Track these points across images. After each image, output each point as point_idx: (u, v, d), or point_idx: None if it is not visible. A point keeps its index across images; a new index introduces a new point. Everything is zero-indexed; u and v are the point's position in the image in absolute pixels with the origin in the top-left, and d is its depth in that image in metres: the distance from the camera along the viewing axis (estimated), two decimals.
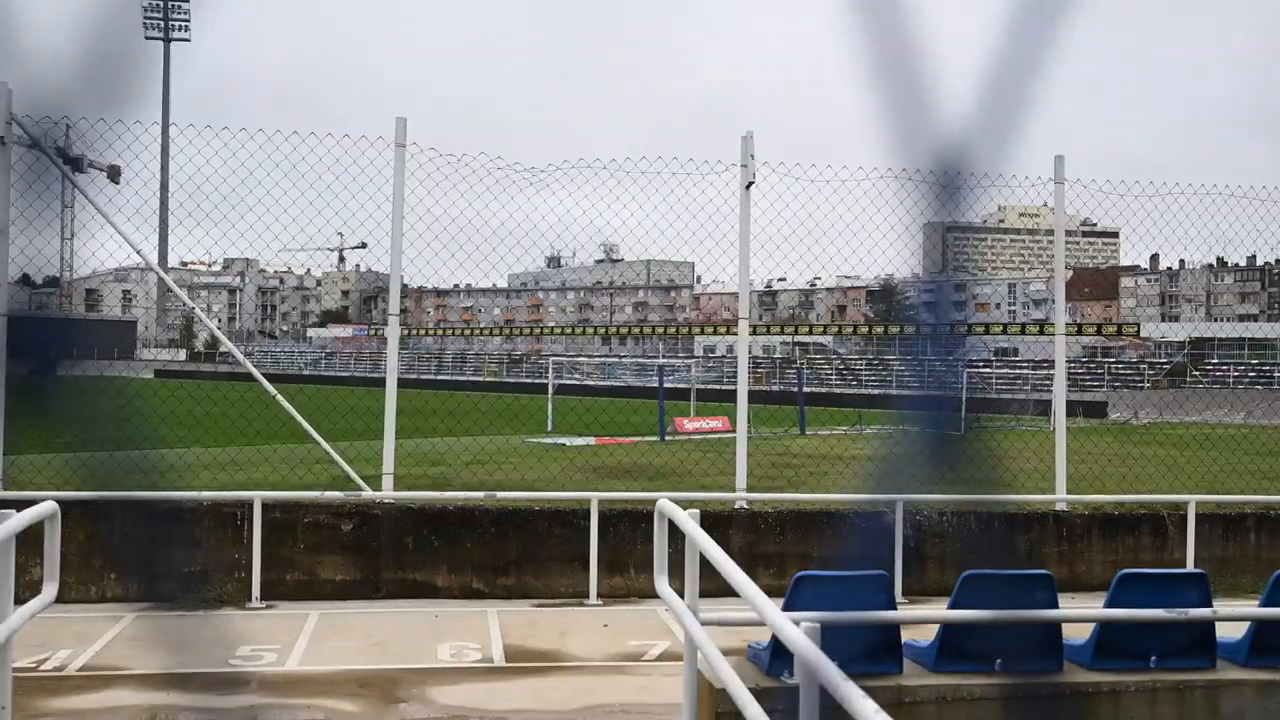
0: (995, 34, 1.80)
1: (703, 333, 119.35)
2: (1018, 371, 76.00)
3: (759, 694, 5.10)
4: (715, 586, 6.34)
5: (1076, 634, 6.89)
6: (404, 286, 13.38)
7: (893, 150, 1.81)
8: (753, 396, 14.79)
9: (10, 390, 11.80)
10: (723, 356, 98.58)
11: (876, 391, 76.85)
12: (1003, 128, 1.81)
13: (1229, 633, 7.03)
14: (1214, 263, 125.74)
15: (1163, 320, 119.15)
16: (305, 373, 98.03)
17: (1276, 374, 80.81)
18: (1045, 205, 14.78)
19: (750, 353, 14.46)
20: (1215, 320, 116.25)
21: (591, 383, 72.07)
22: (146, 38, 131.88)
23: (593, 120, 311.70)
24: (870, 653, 6.43)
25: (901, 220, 14.24)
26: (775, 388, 73.16)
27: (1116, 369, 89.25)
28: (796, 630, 4.11)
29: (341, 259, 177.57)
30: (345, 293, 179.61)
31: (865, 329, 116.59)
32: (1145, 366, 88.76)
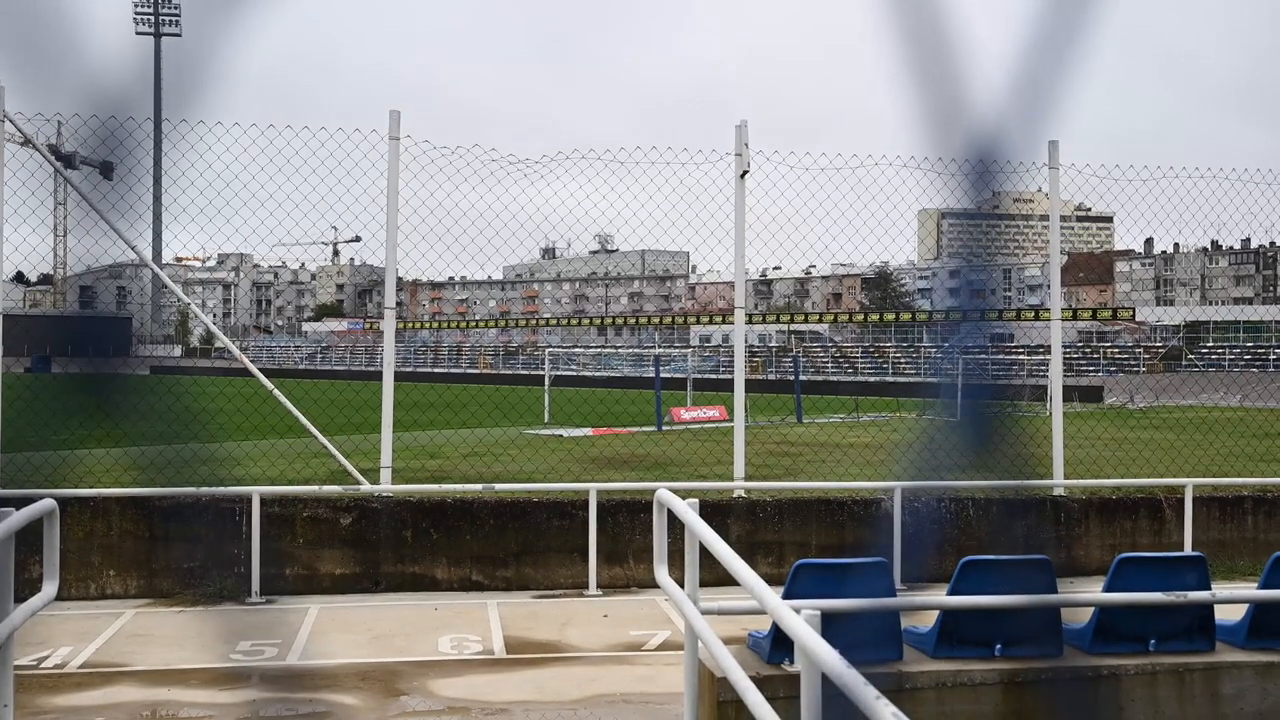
0: (1028, 16, 1.79)
1: (698, 322, 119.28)
2: (1013, 357, 76.02)
3: (760, 682, 5.11)
4: (714, 576, 6.36)
5: (1076, 618, 6.91)
6: (399, 280, 13.35)
7: (924, 133, 1.80)
8: (749, 385, 14.79)
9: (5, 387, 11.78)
10: (719, 346, 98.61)
11: (873, 379, 76.89)
12: (1036, 109, 1.80)
13: (1228, 615, 7.04)
14: (1208, 246, 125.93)
15: (1158, 304, 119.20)
16: (301, 367, 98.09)
17: (1272, 356, 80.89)
18: (1040, 190, 14.76)
19: (746, 342, 14.45)
20: (1210, 304, 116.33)
21: (588, 374, 72.14)
22: (137, 33, 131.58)
23: (580, 107, 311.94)
24: (871, 640, 6.44)
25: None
26: (772, 376, 73.29)
27: (1112, 353, 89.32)
28: (797, 618, 4.11)
29: (335, 253, 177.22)
30: (340, 286, 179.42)
31: (861, 317, 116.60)
32: (1141, 351, 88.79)
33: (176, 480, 11.67)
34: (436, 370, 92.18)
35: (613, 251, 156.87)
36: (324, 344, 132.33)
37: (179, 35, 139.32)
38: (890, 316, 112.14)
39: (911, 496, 13.10)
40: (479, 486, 13.40)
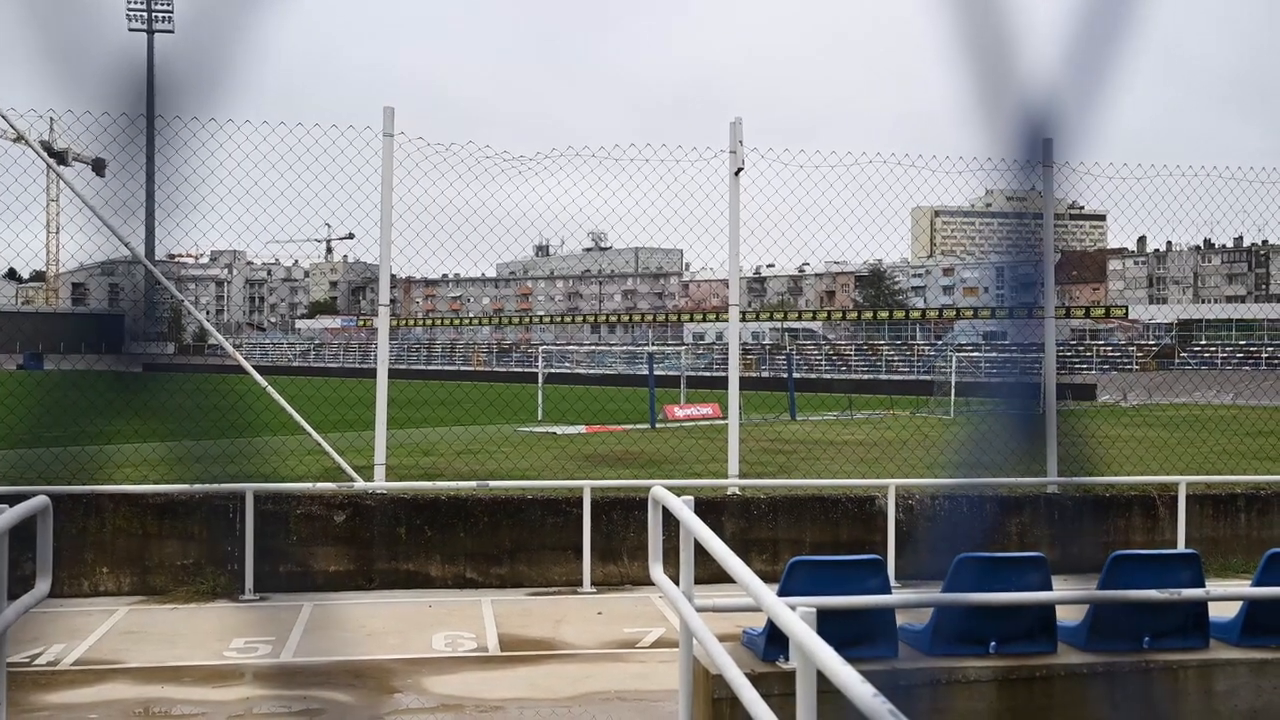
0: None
1: (692, 320, 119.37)
2: (1007, 355, 76.08)
3: (755, 679, 5.10)
4: (708, 573, 6.35)
5: (1070, 616, 6.91)
6: (392, 277, 13.33)
7: (978, 109, 1.78)
8: (743, 383, 14.80)
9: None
10: (712, 343, 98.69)
11: (866, 377, 77.01)
12: (1090, 84, 1.78)
13: (1221, 613, 7.05)
14: (1201, 244, 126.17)
15: (1150, 302, 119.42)
16: (295, 364, 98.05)
17: (1264, 355, 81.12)
18: (1033, 189, 14.75)
19: (740, 339, 14.45)
20: (1203, 302, 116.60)
21: (581, 371, 72.13)
22: (130, 30, 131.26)
23: (575, 105, 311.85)
24: (865, 637, 6.44)
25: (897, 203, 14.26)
26: (765, 374, 73.34)
27: (1105, 351, 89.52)
28: (793, 615, 4.11)
29: (329, 250, 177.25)
30: (333, 283, 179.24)
31: (854, 314, 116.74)
32: (1133, 349, 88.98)
33: (170, 477, 11.65)
34: (430, 368, 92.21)
35: (606, 249, 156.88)
36: (317, 341, 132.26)
37: (171, 32, 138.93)
38: (884, 314, 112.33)
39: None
40: (473, 484, 13.39)
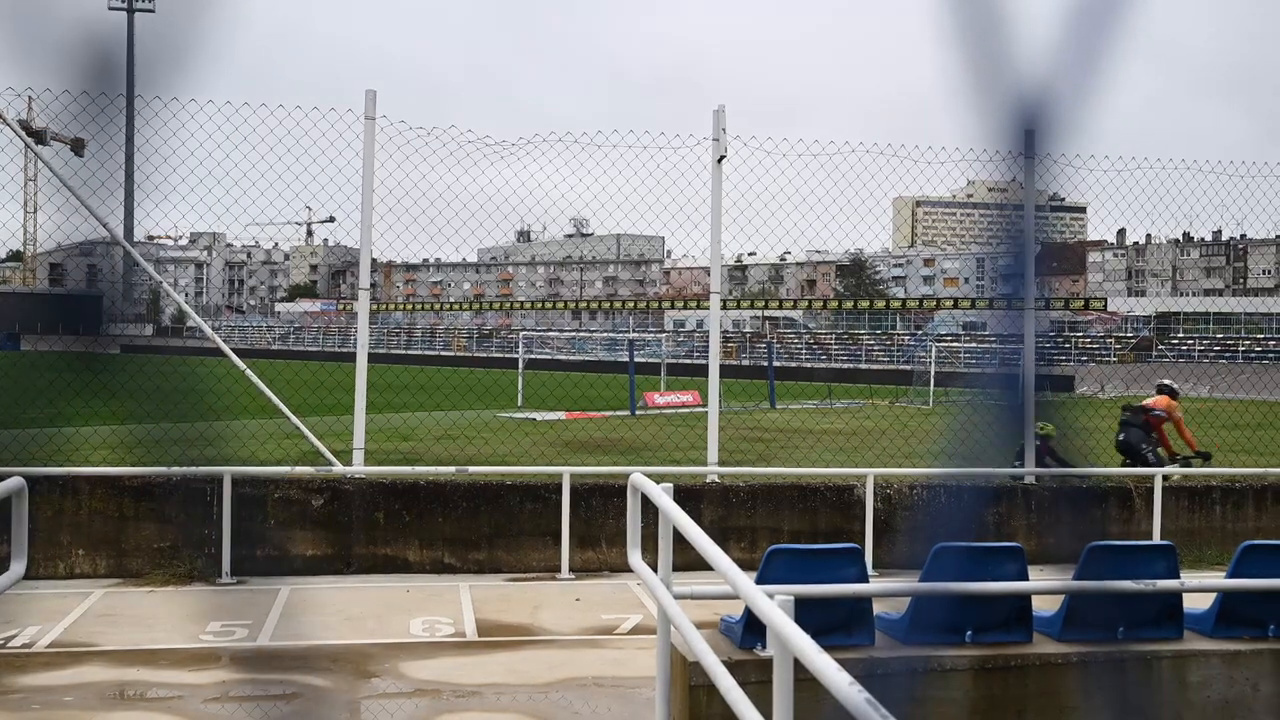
0: None
1: (673, 307, 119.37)
2: (986, 345, 76.36)
3: (732, 666, 5.12)
4: (686, 560, 6.35)
5: (1046, 606, 6.95)
6: (373, 261, 13.28)
7: (970, 92, 1.76)
8: (723, 371, 14.80)
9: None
10: (693, 331, 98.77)
11: (846, 366, 77.17)
12: (1085, 69, 1.76)
13: (1196, 604, 7.10)
14: (1180, 237, 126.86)
15: (1129, 294, 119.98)
16: (274, 347, 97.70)
17: (1240, 348, 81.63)
18: (1014, 180, 14.77)
19: (720, 327, 14.45)
20: (1181, 295, 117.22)
21: (562, 357, 72.10)
22: (110, 9, 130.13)
23: (546, 85, 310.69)
24: (842, 625, 6.46)
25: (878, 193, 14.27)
26: (745, 362, 73.45)
27: (1084, 343, 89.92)
28: (770, 603, 4.11)
29: (309, 233, 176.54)
30: (314, 267, 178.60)
31: (835, 303, 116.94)
32: (1112, 340, 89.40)
33: (147, 460, 11.59)
34: (410, 352, 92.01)
35: (588, 235, 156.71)
36: (297, 324, 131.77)
37: (152, 11, 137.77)
38: (864, 304, 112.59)
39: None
40: (452, 469, 13.36)
